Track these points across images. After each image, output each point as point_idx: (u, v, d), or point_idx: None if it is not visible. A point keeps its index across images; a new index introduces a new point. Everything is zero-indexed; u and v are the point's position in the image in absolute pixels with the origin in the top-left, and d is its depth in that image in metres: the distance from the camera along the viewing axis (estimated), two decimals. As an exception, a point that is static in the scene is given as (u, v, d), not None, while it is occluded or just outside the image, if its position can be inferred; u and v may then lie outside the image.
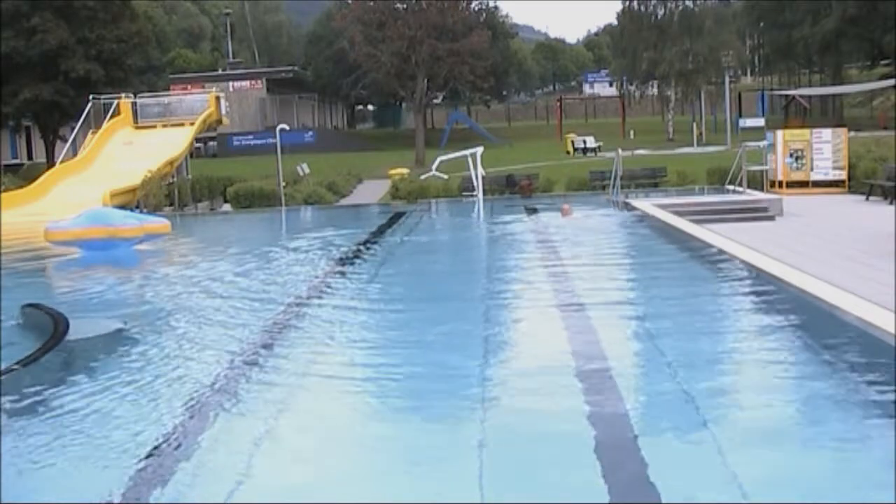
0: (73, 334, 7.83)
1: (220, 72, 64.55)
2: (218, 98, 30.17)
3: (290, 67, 64.29)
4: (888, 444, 4.65)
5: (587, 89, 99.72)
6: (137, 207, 21.58)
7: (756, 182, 21.11)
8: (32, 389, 6.26)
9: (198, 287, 10.98)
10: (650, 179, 24.56)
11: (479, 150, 22.75)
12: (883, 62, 55.31)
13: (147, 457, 4.81)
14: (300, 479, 4.67)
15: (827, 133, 21.93)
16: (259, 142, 51.06)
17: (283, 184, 24.76)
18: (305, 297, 9.75)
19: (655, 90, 61.81)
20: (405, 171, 30.12)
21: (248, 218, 22.74)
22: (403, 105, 74.11)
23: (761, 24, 63.52)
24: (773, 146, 21.64)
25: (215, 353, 7.13)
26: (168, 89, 42.51)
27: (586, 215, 17.82)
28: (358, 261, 12.73)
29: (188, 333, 8.04)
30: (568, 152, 47.20)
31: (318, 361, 7.02)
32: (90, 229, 13.38)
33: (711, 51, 52.45)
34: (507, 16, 74.68)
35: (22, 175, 32.10)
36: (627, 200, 18.53)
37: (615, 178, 20.38)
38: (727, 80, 51.24)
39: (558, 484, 4.41)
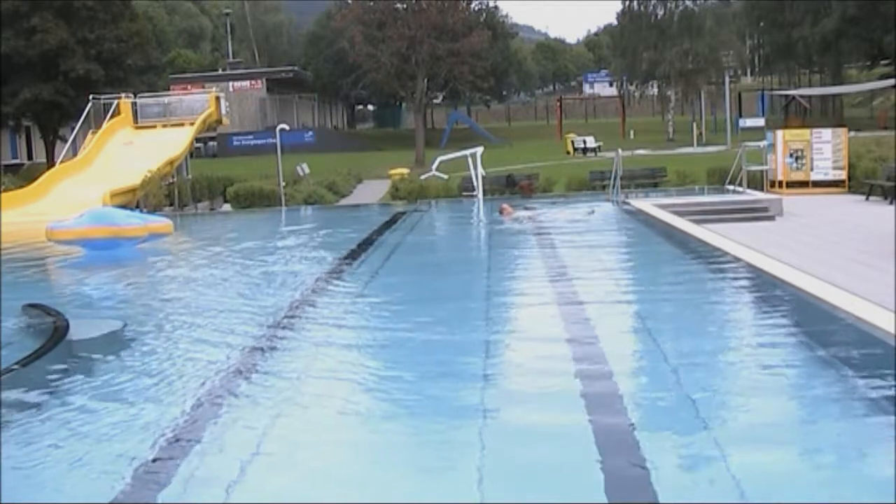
0: (73, 334, 7.83)
1: (220, 72, 64.55)
2: (218, 98, 30.16)
3: (290, 67, 64.28)
4: (888, 445, 4.65)
5: (587, 89, 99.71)
6: (137, 207, 21.58)
7: (756, 182, 21.13)
8: (32, 390, 6.27)
9: (199, 286, 10.99)
10: (650, 179, 24.58)
11: (479, 150, 22.75)
12: (883, 62, 55.30)
13: (146, 457, 4.81)
14: (300, 478, 4.67)
15: (827, 133, 21.95)
16: (259, 142, 51.08)
17: (283, 184, 24.77)
18: (306, 297, 9.74)
19: (655, 90, 61.82)
20: (405, 171, 30.15)
21: (248, 218, 22.74)
22: (403, 105, 74.13)
23: (761, 24, 63.52)
24: (773, 146, 21.66)
25: (216, 353, 7.12)
26: (168, 89, 42.50)
27: (586, 212, 17.86)
28: (359, 259, 12.72)
29: (190, 333, 8.04)
30: (568, 152, 47.23)
31: (317, 361, 7.02)
32: (93, 229, 13.39)
33: (711, 51, 52.48)
34: (507, 16, 74.80)
35: (22, 175, 32.11)
36: (627, 200, 18.54)
37: (615, 178, 20.40)
38: (727, 80, 51.25)
39: (558, 484, 4.41)
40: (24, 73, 34.80)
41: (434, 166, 24.16)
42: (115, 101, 28.46)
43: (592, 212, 17.60)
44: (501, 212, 17.49)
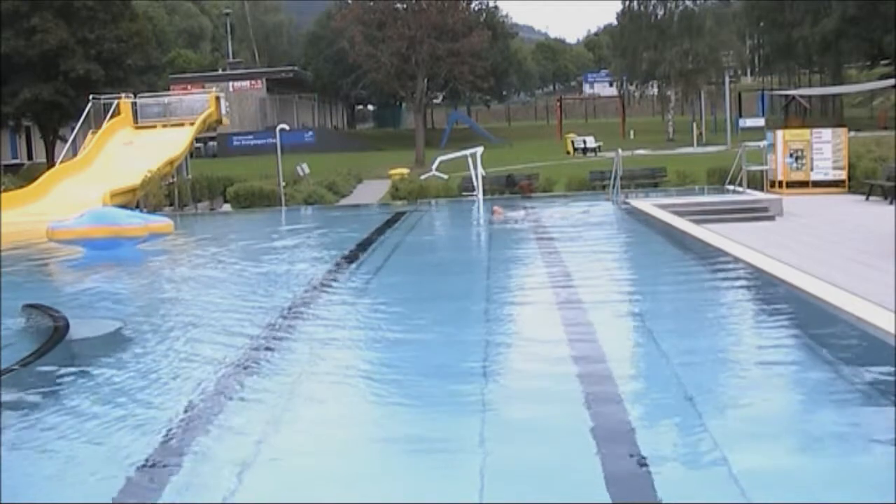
0: (73, 335, 7.84)
1: (220, 72, 64.51)
2: (218, 98, 30.14)
3: (290, 67, 64.26)
4: (888, 444, 4.66)
5: (587, 89, 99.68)
6: (137, 207, 21.58)
7: (756, 182, 21.14)
8: (32, 390, 6.27)
9: (199, 286, 11.00)
10: (650, 179, 24.57)
11: (479, 150, 22.76)
12: (883, 62, 55.31)
13: (146, 456, 4.81)
14: (301, 478, 4.67)
15: (827, 133, 21.95)
16: (259, 142, 51.06)
17: (283, 184, 24.77)
18: (306, 298, 9.74)
19: (655, 90, 61.82)
20: (405, 171, 30.15)
21: (248, 218, 22.75)
22: (403, 105, 74.12)
23: (761, 24, 63.51)
24: (773, 146, 21.65)
25: (215, 354, 7.13)
26: (168, 89, 42.48)
27: (580, 212, 17.96)
28: (358, 260, 12.73)
29: (189, 333, 8.04)
30: (568, 152, 47.24)
31: (316, 362, 7.03)
32: (94, 228, 13.40)
33: (711, 51, 52.47)
34: (507, 16, 74.79)
35: (22, 175, 32.09)
36: (627, 200, 18.55)
37: (615, 179, 20.41)
38: (727, 80, 51.24)
39: (558, 483, 4.41)
40: (24, 73, 34.78)
41: (434, 166, 24.16)
42: (115, 101, 28.44)
43: (586, 211, 17.73)
44: (493, 213, 17.69)
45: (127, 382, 6.41)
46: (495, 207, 18.13)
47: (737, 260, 10.20)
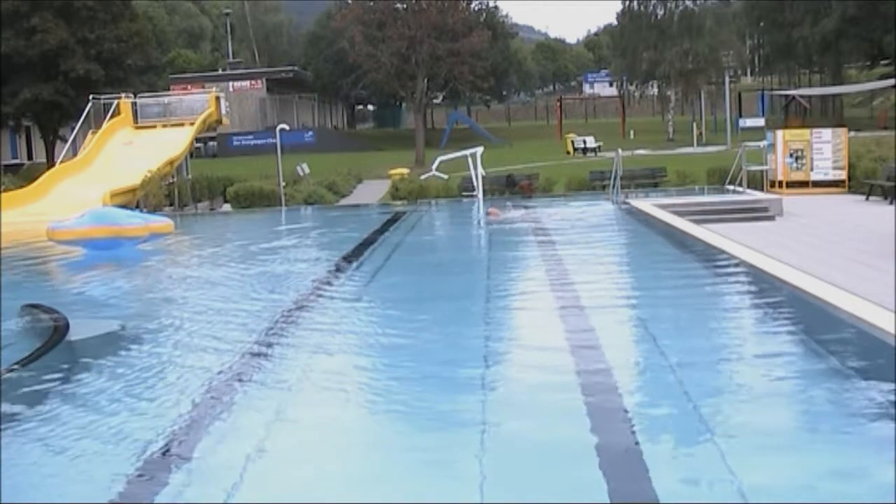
0: (73, 335, 7.83)
1: (220, 72, 64.53)
2: (218, 98, 30.14)
3: (290, 67, 64.27)
4: (888, 445, 4.65)
5: (587, 89, 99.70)
6: (137, 207, 21.58)
7: (756, 182, 21.14)
8: (32, 390, 6.27)
9: (199, 287, 10.99)
10: (650, 179, 24.58)
11: (479, 150, 22.75)
12: (883, 62, 55.32)
13: (146, 457, 4.81)
14: (300, 479, 4.67)
15: (827, 133, 21.95)
16: (259, 142, 51.09)
17: (283, 184, 24.78)
18: (306, 298, 9.74)
19: (655, 90, 61.85)
20: (405, 171, 30.16)
21: (248, 218, 22.75)
22: (403, 105, 74.14)
23: (761, 24, 63.55)
24: (773, 146, 21.66)
25: (215, 355, 7.12)
26: (168, 89, 42.49)
27: (578, 212, 18.00)
28: (358, 260, 12.72)
29: (189, 334, 8.04)
30: (568, 152, 47.25)
31: (317, 363, 7.02)
32: (94, 228, 13.40)
33: (711, 51, 52.50)
34: (507, 16, 74.84)
35: (22, 175, 32.10)
36: (627, 200, 18.55)
37: (615, 179, 20.41)
38: (727, 80, 51.26)
39: (558, 484, 4.41)
40: (24, 73, 34.81)
41: (434, 166, 24.15)
42: (115, 101, 28.44)
43: (586, 211, 17.83)
44: (489, 214, 17.81)
45: (126, 383, 6.41)
46: (491, 209, 18.24)
47: (737, 260, 10.19)
